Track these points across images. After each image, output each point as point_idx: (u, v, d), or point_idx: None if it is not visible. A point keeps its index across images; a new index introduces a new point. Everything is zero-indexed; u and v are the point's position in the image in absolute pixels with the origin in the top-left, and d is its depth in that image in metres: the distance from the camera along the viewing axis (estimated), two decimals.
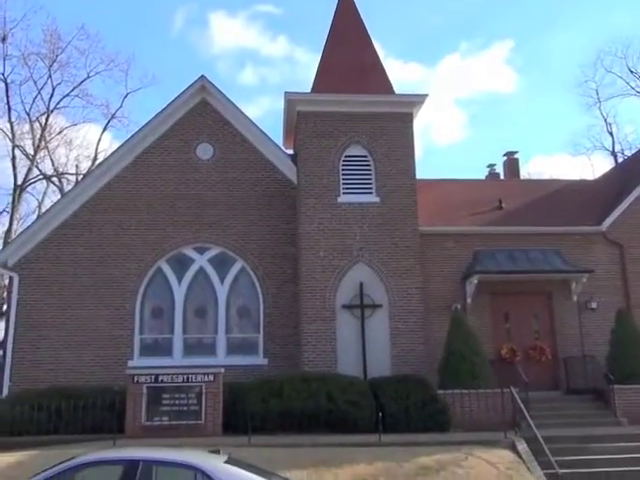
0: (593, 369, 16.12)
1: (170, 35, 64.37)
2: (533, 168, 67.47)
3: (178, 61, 64.31)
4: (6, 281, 27.29)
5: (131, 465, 7.16)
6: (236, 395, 13.64)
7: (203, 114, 18.11)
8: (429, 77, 67.07)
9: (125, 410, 13.26)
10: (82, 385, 14.87)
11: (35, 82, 34.02)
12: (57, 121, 39.76)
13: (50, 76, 34.18)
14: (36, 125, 33.84)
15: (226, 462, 7.46)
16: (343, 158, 17.05)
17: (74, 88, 34.86)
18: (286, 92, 17.38)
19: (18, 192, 32.41)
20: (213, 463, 7.33)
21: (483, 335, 16.23)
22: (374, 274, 16.32)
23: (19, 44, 45.51)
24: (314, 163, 16.87)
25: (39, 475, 7.20)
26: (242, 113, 18.20)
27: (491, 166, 24.91)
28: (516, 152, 25.01)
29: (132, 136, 17.99)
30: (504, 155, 25.05)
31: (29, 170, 33.05)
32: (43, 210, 31.05)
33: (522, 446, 12.02)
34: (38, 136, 33.47)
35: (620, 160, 34.68)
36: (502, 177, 24.68)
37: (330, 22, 19.48)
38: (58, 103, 34.64)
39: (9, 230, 31.22)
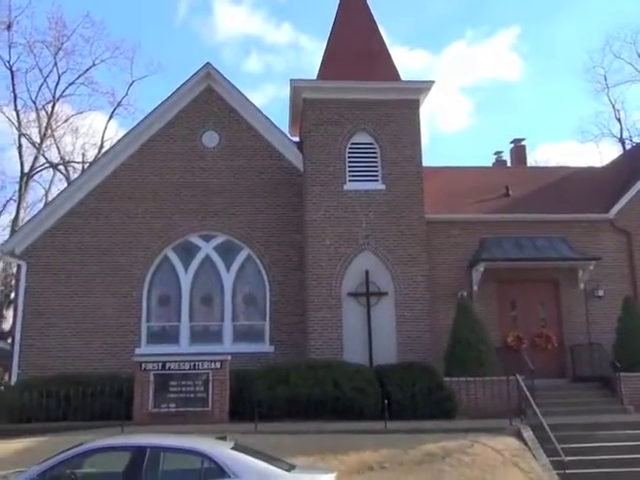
0: (600, 357, 16.10)
1: (174, 22, 64.19)
2: (540, 155, 66.80)
3: (183, 49, 64.16)
4: (14, 269, 27.46)
5: (139, 451, 7.22)
6: (243, 382, 13.70)
7: (209, 101, 18.06)
8: (434, 64, 66.68)
9: (133, 397, 13.35)
10: (90, 372, 14.95)
11: (41, 70, 34.08)
12: (63, 109, 39.95)
13: (56, 64, 34.21)
14: (42, 113, 33.93)
15: (233, 448, 7.52)
16: (349, 145, 16.98)
17: (80, 76, 34.91)
18: (292, 79, 17.31)
19: (25, 180, 32.52)
20: (220, 449, 7.38)
21: (489, 323, 16.20)
22: (380, 262, 16.31)
23: (24, 32, 45.40)
24: (320, 150, 16.82)
25: (48, 461, 7.27)
26: (248, 100, 18.15)
27: (498, 153, 24.76)
28: (523, 139, 24.91)
29: (138, 124, 17.98)
30: (511, 142, 24.91)
31: (35, 158, 33.15)
32: (50, 198, 31.15)
33: (528, 433, 12.02)
34: (44, 124, 33.53)
35: (628, 147, 34.46)
36: (509, 164, 24.55)
37: (336, 8, 19.36)
38: (64, 91, 34.70)
39: (16, 218, 31.36)
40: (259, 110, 18.18)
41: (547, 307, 17.54)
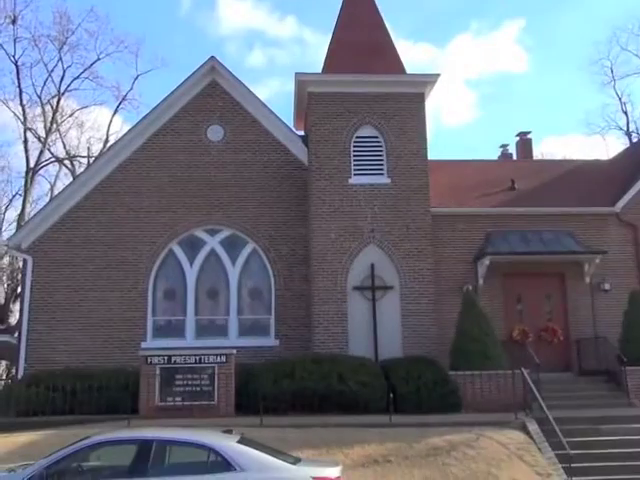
0: (605, 351, 16.06)
1: (179, 16, 64.10)
2: (546, 148, 66.64)
3: (187, 43, 64.10)
4: (20, 264, 27.55)
5: (145, 444, 7.26)
6: (248, 376, 13.74)
7: (213, 95, 18.04)
8: (439, 57, 66.43)
9: (139, 391, 13.41)
10: (96, 366, 15.02)
11: (45, 65, 34.10)
12: (68, 104, 39.97)
13: (60, 58, 34.24)
14: (47, 108, 33.94)
15: (238, 442, 7.55)
16: (354, 139, 16.95)
17: (84, 70, 34.93)
18: (297, 73, 17.26)
19: (30, 175, 32.57)
20: (226, 443, 7.41)
21: (495, 316, 16.18)
22: (385, 256, 16.30)
23: (29, 26, 45.70)
24: (325, 144, 16.79)
25: (55, 454, 7.31)
26: (252, 94, 18.11)
27: (504, 146, 24.62)
28: (529, 132, 24.75)
29: (143, 118, 17.97)
30: (517, 135, 24.79)
31: (41, 153, 33.21)
32: (55, 193, 31.20)
33: (533, 427, 12.02)
34: (49, 119, 33.56)
35: (635, 140, 34.26)
36: (515, 158, 24.44)
37: (340, 1, 19.27)
38: (69, 85, 34.74)
39: (22, 213, 31.44)
40: (264, 104, 18.16)
41: (553, 301, 17.50)
